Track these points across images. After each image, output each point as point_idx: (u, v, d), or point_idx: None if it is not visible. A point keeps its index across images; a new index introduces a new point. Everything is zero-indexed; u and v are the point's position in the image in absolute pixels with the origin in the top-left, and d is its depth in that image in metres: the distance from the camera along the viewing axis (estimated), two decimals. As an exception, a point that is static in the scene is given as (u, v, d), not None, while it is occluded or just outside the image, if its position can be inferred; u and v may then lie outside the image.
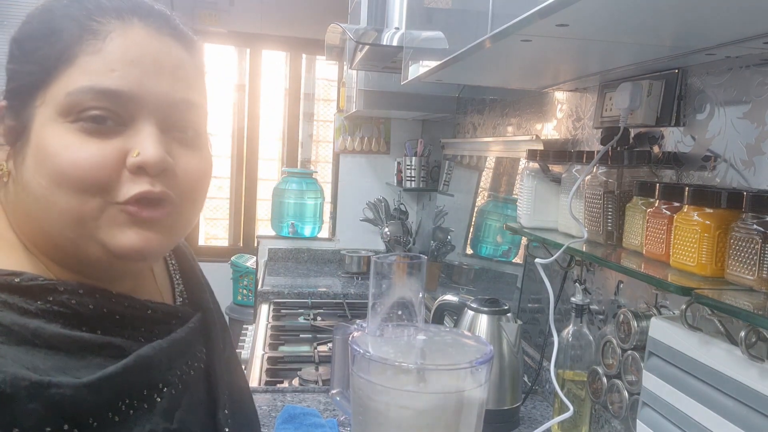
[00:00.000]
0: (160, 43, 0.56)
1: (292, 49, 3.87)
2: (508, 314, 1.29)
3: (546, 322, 1.27)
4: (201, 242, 3.95)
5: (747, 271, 0.75)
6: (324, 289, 2.49)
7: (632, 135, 1.15)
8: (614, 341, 1.03)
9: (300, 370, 1.63)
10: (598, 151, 1.07)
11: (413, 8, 1.47)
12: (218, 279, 3.66)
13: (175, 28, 0.59)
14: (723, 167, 0.95)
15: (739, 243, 0.76)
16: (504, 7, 0.84)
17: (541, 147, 1.49)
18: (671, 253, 0.88)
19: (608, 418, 1.16)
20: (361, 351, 0.68)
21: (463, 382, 0.66)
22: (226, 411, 0.63)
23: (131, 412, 0.51)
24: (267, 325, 2.04)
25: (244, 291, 3.57)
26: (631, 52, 0.95)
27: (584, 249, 1.08)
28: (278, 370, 1.66)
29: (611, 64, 1.07)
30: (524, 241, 1.65)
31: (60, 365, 0.47)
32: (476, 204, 2.07)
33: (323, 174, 3.67)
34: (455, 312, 1.37)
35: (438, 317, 1.42)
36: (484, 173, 2.05)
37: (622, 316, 1.02)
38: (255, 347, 1.83)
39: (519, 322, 1.30)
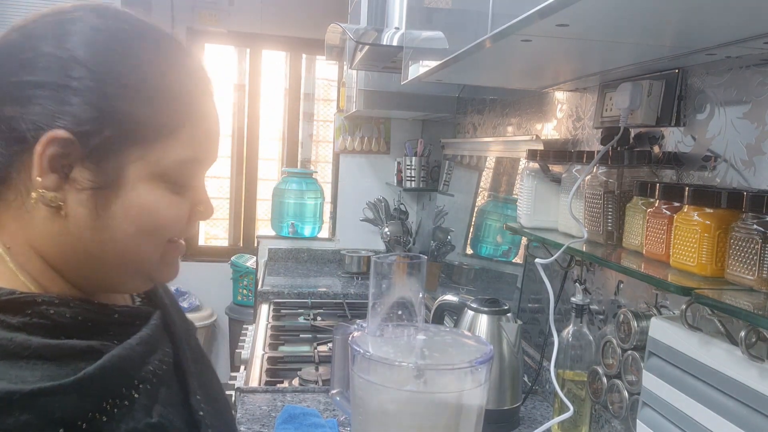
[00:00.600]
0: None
1: (292, 49, 3.87)
2: (508, 314, 1.29)
3: (546, 322, 1.27)
4: (201, 242, 3.95)
5: (747, 271, 0.75)
6: (324, 289, 2.49)
7: (632, 135, 1.15)
8: (614, 341, 1.03)
9: (300, 370, 1.63)
10: (598, 151, 1.07)
11: (413, 8, 1.47)
12: (218, 279, 3.70)
13: None
14: (723, 167, 0.95)
15: (739, 243, 0.76)
16: (504, 7, 0.84)
17: (541, 147, 1.49)
18: (671, 253, 0.88)
19: (608, 418, 1.16)
20: (361, 351, 0.68)
21: (463, 382, 0.66)
22: (198, 397, 0.65)
23: (115, 410, 0.52)
24: (267, 325, 2.04)
25: (244, 291, 3.57)
26: (631, 52, 0.95)
27: (584, 249, 1.08)
28: (278, 370, 1.66)
29: (611, 64, 1.07)
30: (524, 241, 1.65)
31: (48, 374, 0.49)
32: (476, 204, 2.07)
33: (323, 174, 3.67)
34: (455, 312, 1.37)
35: (438, 317, 1.42)
36: (484, 173, 2.05)
37: (622, 316, 1.02)
38: (255, 347, 1.83)
39: (519, 322, 1.30)
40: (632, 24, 0.76)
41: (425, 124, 3.03)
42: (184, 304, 3.53)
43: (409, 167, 2.72)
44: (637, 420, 0.91)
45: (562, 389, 1.16)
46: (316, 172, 3.41)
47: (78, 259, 0.58)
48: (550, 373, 1.18)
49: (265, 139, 3.96)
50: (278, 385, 1.51)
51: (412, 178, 2.72)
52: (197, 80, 0.61)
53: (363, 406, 0.69)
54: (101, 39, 0.56)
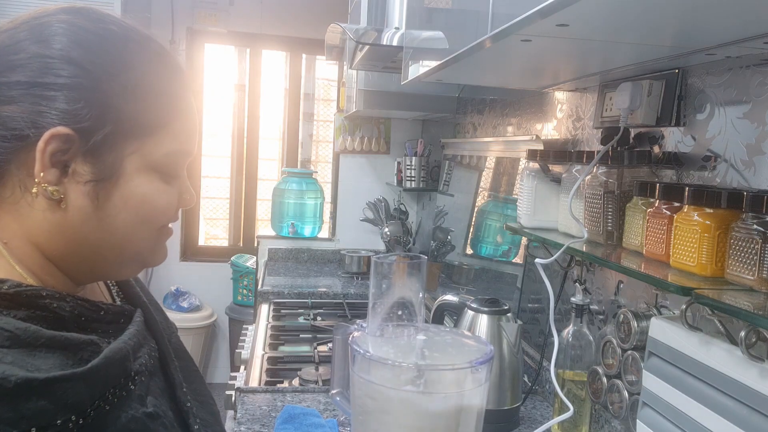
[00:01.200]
0: None
1: (292, 49, 3.87)
2: (508, 314, 1.29)
3: (546, 322, 1.27)
4: (201, 242, 3.95)
5: (747, 271, 0.75)
6: (324, 289, 2.49)
7: (632, 135, 1.15)
8: (614, 341, 1.03)
9: (300, 370, 1.63)
10: (598, 151, 1.07)
11: (413, 8, 1.47)
12: (218, 279, 3.71)
13: None
14: (723, 167, 0.95)
15: (739, 243, 0.76)
16: (504, 7, 0.84)
17: (541, 147, 1.49)
18: (671, 253, 0.88)
19: (608, 418, 1.16)
20: (361, 351, 0.68)
21: (463, 382, 0.66)
22: (185, 389, 0.69)
23: (116, 400, 0.56)
24: (267, 325, 2.04)
25: (244, 291, 3.57)
26: (631, 52, 0.95)
27: (584, 249, 1.08)
28: (278, 370, 1.66)
29: (611, 64, 1.07)
30: (524, 241, 1.65)
31: (58, 363, 0.51)
32: (476, 204, 2.07)
33: (323, 174, 3.67)
34: (455, 312, 1.37)
35: (438, 317, 1.42)
36: (484, 173, 2.05)
37: (622, 316, 1.02)
38: (255, 347, 1.83)
39: (519, 322, 1.30)
40: (632, 24, 0.76)
41: (425, 124, 3.03)
42: (184, 304, 3.53)
43: (409, 167, 2.72)
44: (637, 420, 0.91)
45: (562, 389, 1.16)
46: (316, 172, 3.41)
47: (77, 250, 0.60)
48: (550, 373, 1.18)
49: (265, 139, 3.96)
50: (278, 385, 1.51)
51: (412, 178, 2.72)
52: (181, 78, 0.65)
53: (363, 406, 0.69)
54: (93, 40, 0.59)
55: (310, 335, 1.97)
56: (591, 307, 1.23)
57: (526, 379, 1.42)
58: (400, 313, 0.71)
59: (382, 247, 2.96)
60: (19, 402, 0.47)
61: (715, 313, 0.79)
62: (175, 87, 0.64)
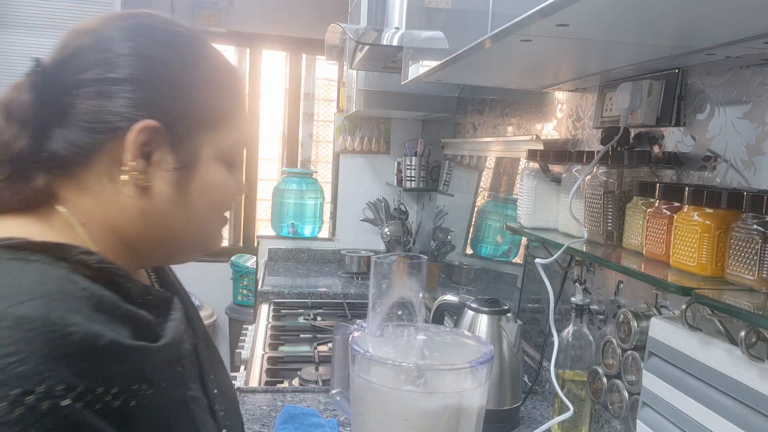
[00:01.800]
0: None
1: (292, 49, 3.87)
2: (508, 314, 1.29)
3: (546, 322, 1.27)
4: (201, 242, 3.95)
5: (747, 271, 0.75)
6: (324, 289, 2.49)
7: (632, 135, 1.15)
8: (614, 341, 1.03)
9: (300, 370, 1.63)
10: (598, 151, 1.07)
11: (413, 8, 1.47)
12: (218, 279, 3.70)
13: None
14: (723, 167, 0.95)
15: (740, 243, 0.76)
16: (504, 7, 0.84)
17: (541, 147, 1.49)
18: (671, 253, 0.88)
19: (608, 418, 1.16)
20: (361, 351, 0.68)
21: (463, 382, 0.66)
22: (212, 376, 0.71)
23: (171, 379, 0.58)
24: (267, 325, 2.04)
25: (244, 291, 3.57)
26: (631, 52, 0.95)
27: (584, 249, 1.08)
28: (278, 370, 1.66)
29: (611, 64, 1.07)
30: (524, 241, 1.65)
31: (132, 335, 0.54)
32: (476, 204, 2.07)
33: (323, 174, 3.67)
34: (455, 312, 1.37)
35: (438, 317, 1.42)
36: (484, 173, 2.05)
37: (622, 316, 1.02)
38: (255, 347, 1.83)
39: (519, 322, 1.30)
40: (632, 24, 0.76)
41: (425, 124, 3.03)
42: (184, 304, 3.53)
43: (409, 167, 2.72)
44: (637, 420, 0.91)
45: (562, 389, 1.16)
46: (316, 172, 3.41)
47: (154, 233, 0.65)
48: (550, 373, 1.18)
49: (265, 139, 3.96)
50: (278, 385, 1.51)
51: (412, 178, 2.72)
52: (238, 74, 0.73)
53: (363, 406, 0.69)
54: (173, 40, 0.65)
55: (310, 335, 1.97)
56: (591, 307, 1.23)
57: (526, 379, 1.42)
58: (400, 313, 0.71)
59: (382, 247, 2.96)
60: (106, 361, 0.49)
61: (715, 313, 0.79)
62: (236, 82, 0.70)
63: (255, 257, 3.23)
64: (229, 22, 3.65)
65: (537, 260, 1.15)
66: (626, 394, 1.00)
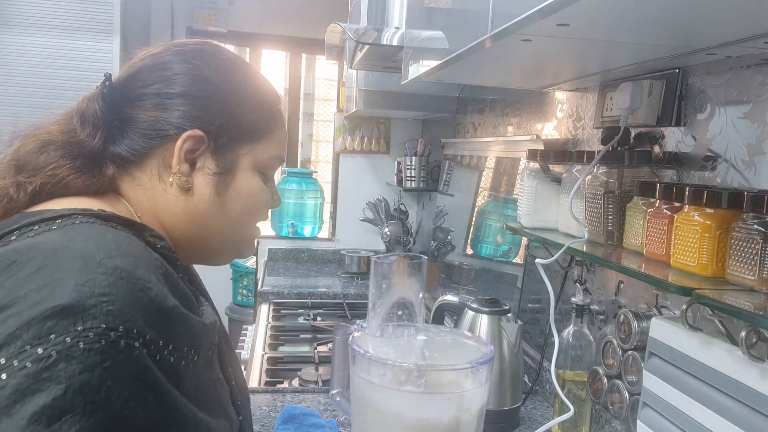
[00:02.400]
0: None
1: (292, 48, 3.86)
2: (509, 314, 1.29)
3: (546, 322, 1.27)
4: (201, 242, 3.95)
5: (747, 272, 0.75)
6: (324, 289, 2.49)
7: (633, 135, 1.15)
8: (615, 341, 1.03)
9: (300, 370, 1.63)
10: (598, 151, 1.07)
11: (413, 8, 1.47)
12: (218, 279, 3.69)
13: None
14: (724, 167, 0.94)
15: (740, 243, 0.76)
16: (504, 7, 0.84)
17: (541, 147, 1.49)
18: (672, 254, 0.88)
19: (609, 419, 1.16)
20: (361, 351, 0.67)
21: (464, 383, 0.66)
22: (230, 368, 0.76)
23: (205, 358, 0.64)
24: (267, 325, 2.04)
25: (244, 291, 3.56)
26: (631, 52, 0.95)
27: (585, 249, 1.08)
28: (278, 370, 1.66)
29: (612, 64, 1.07)
30: (524, 241, 1.65)
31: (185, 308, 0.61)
32: (476, 204, 2.07)
33: (323, 174, 3.67)
34: (455, 312, 1.37)
35: (438, 317, 1.42)
36: (484, 173, 2.05)
37: (622, 316, 1.01)
38: (255, 347, 1.83)
39: (519, 322, 1.29)
40: (632, 24, 0.76)
41: (425, 124, 3.03)
42: (184, 304, 3.52)
43: (409, 167, 2.72)
44: (638, 420, 0.90)
45: (562, 389, 1.15)
46: (316, 172, 3.41)
47: (195, 230, 0.73)
48: (550, 373, 1.18)
49: (265, 139, 3.95)
50: (278, 386, 1.51)
51: (412, 178, 2.72)
52: (278, 95, 0.81)
53: (363, 406, 0.69)
54: (220, 63, 0.75)
55: (310, 335, 1.97)
56: (591, 307, 1.23)
57: (526, 379, 1.42)
58: (400, 313, 0.71)
59: (382, 247, 2.96)
60: (169, 320, 0.56)
61: (715, 313, 0.79)
62: (275, 103, 0.79)
63: (255, 257, 3.23)
64: (229, 21, 3.64)
65: (537, 260, 1.15)
66: (627, 395, 1.00)
